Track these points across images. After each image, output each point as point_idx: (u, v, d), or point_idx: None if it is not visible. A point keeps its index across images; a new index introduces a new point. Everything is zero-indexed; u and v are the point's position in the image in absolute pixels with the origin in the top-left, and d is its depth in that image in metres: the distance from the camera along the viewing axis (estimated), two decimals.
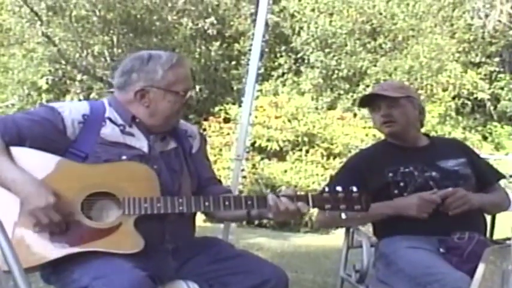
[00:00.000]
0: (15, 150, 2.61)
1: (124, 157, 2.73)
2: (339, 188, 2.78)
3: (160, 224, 2.73)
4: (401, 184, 3.41)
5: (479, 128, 20.39)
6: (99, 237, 2.58)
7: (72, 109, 2.77)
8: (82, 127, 2.73)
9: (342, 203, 2.77)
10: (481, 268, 2.27)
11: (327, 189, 2.79)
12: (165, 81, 2.82)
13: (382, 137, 3.79)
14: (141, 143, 2.82)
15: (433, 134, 4.11)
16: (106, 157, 2.70)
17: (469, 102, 20.15)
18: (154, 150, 2.84)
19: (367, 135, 13.80)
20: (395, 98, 3.52)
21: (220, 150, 12.98)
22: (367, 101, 3.70)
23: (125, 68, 2.89)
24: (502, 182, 3.98)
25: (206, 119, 14.77)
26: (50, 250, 2.55)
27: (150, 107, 2.83)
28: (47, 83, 19.26)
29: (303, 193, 2.83)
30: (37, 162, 2.62)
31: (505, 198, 3.68)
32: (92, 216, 2.62)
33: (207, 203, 2.72)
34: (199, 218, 2.99)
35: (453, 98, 19.21)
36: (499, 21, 21.36)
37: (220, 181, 3.23)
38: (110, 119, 2.81)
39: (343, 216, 2.78)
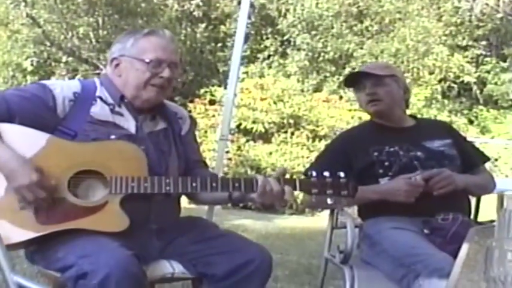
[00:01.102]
0: (3, 126, 2.59)
1: (113, 136, 2.72)
2: (326, 173, 2.77)
3: (146, 204, 2.73)
4: (386, 163, 3.41)
5: (465, 112, 20.44)
6: (85, 216, 2.57)
7: (63, 87, 2.76)
8: (72, 105, 2.73)
9: (329, 188, 2.75)
10: (464, 248, 2.27)
11: (314, 173, 2.78)
12: (134, 49, 2.82)
13: (368, 119, 3.80)
14: (128, 123, 2.81)
15: (419, 116, 4.14)
16: (95, 136, 2.69)
17: (455, 86, 20.19)
18: (141, 131, 2.83)
19: (352, 117, 13.82)
20: (380, 77, 3.52)
21: (206, 132, 12.98)
22: (352, 81, 3.70)
23: (113, 43, 2.94)
24: (487, 166, 3.99)
25: (192, 101, 14.76)
26: (35, 227, 2.54)
27: (122, 76, 2.84)
28: (32, 64, 19.18)
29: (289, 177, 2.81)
30: (25, 139, 2.61)
31: (490, 181, 3.69)
32: (78, 194, 2.61)
33: (194, 184, 2.69)
34: (184, 200, 2.98)
35: (439, 81, 19.25)
36: (487, 4, 21.37)
37: (206, 165, 3.22)
38: (101, 98, 2.81)
39: (329, 201, 2.77)
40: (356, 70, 3.99)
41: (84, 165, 2.62)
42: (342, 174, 2.77)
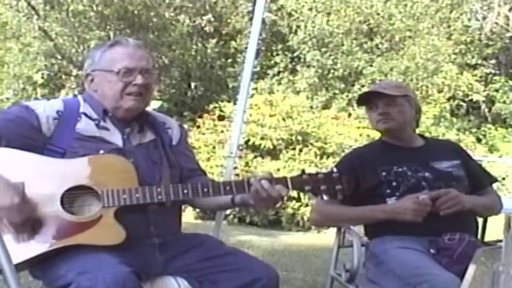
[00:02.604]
0: None
1: (101, 151, 2.75)
2: (318, 171, 2.80)
3: (143, 216, 2.74)
4: (394, 184, 3.42)
5: (474, 130, 20.37)
6: (80, 231, 2.58)
7: (46, 106, 2.79)
8: (57, 123, 2.75)
9: (322, 184, 2.77)
10: (471, 269, 2.26)
11: (306, 171, 2.80)
12: (103, 62, 2.86)
13: (376, 137, 3.80)
14: (115, 137, 2.84)
15: (427, 135, 4.13)
16: (83, 152, 2.71)
17: (464, 104, 20.18)
18: (129, 144, 2.86)
19: (361, 135, 13.80)
20: (393, 97, 3.52)
21: (214, 147, 12.96)
22: (365, 99, 3.70)
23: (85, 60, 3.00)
24: (495, 185, 3.99)
25: (200, 116, 14.74)
26: (32, 246, 2.54)
27: (98, 90, 2.88)
28: (43, 77, 19.20)
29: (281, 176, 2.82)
30: (14, 161, 2.62)
31: (497, 201, 3.69)
32: (73, 211, 2.61)
33: (185, 191, 2.71)
34: (191, 215, 2.99)
35: (448, 100, 19.22)
36: (496, 23, 21.40)
37: (204, 172, 3.22)
38: (85, 114, 2.84)
39: (325, 197, 2.78)
40: (368, 89, 3.99)
41: (75, 182, 2.63)
42: (334, 169, 2.81)
